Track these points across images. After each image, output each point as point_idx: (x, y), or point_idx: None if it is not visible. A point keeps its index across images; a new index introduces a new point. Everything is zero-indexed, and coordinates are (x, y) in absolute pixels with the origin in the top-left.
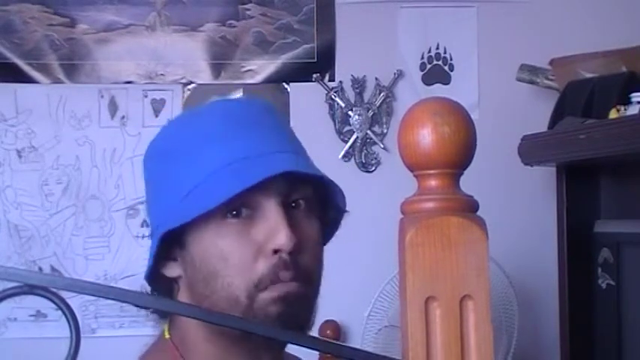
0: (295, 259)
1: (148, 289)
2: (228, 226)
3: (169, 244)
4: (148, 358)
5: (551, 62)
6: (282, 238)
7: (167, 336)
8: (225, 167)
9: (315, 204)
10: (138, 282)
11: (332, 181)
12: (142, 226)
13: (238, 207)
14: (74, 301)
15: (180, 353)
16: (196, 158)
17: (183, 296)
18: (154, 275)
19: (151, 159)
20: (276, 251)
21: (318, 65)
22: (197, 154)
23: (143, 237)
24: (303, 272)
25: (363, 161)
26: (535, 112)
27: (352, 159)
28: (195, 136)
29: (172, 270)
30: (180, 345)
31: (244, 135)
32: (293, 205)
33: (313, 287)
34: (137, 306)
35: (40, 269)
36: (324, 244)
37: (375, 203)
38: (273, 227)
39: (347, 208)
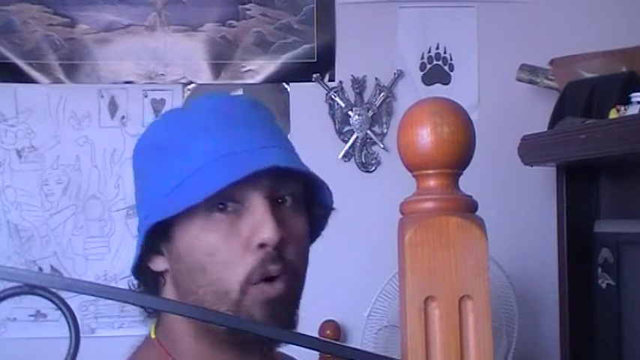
0: (281, 254)
1: (135, 282)
2: (214, 220)
3: (156, 238)
4: (134, 359)
5: (551, 62)
6: (267, 232)
7: (153, 336)
8: (212, 162)
9: (302, 201)
10: None
11: (319, 178)
12: None
13: (225, 201)
14: (74, 301)
15: (168, 351)
16: (184, 152)
17: (169, 290)
18: (141, 268)
19: (141, 152)
20: (261, 245)
21: (318, 65)
22: (185, 148)
23: None
24: (289, 268)
25: (363, 161)
26: (535, 112)
27: (352, 159)
28: (183, 131)
29: (158, 264)
30: (167, 343)
31: (231, 130)
32: (280, 200)
33: (299, 284)
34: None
35: (40, 269)
36: (312, 242)
37: (375, 203)
38: (258, 221)
39: (347, 208)
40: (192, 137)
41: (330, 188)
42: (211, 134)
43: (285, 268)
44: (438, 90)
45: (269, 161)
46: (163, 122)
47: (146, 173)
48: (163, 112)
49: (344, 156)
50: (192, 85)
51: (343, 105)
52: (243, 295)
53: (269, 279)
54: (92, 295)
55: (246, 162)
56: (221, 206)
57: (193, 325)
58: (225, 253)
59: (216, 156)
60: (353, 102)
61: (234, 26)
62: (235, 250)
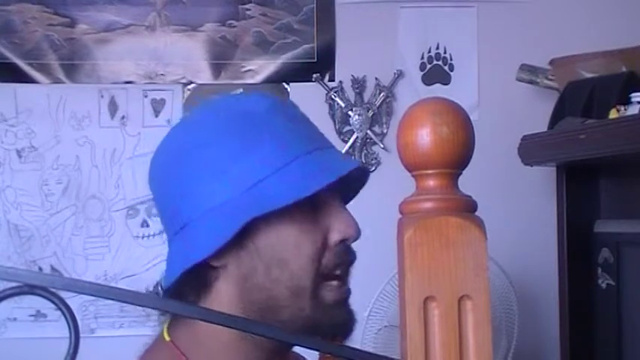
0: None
1: (162, 286)
2: (300, 215)
3: None
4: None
5: (551, 62)
6: (353, 228)
7: (167, 338)
8: (306, 155)
9: None
10: (138, 282)
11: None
12: (142, 226)
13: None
14: (74, 301)
15: (185, 355)
16: (262, 145)
17: (223, 286)
18: (201, 265)
19: (199, 148)
20: (342, 241)
21: (318, 65)
22: (261, 140)
23: (143, 237)
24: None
25: (363, 161)
26: (535, 112)
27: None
28: (255, 124)
29: (219, 259)
30: (189, 349)
31: (302, 126)
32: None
33: None
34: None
35: (40, 269)
36: None
37: (375, 203)
38: (341, 218)
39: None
40: (270, 129)
41: None
42: (289, 128)
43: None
44: (438, 90)
45: (352, 162)
46: (214, 118)
47: (210, 169)
48: (162, 112)
49: None
50: (192, 85)
51: (343, 105)
52: (316, 287)
53: (337, 277)
54: (92, 295)
55: (337, 158)
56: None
57: (236, 334)
58: (310, 247)
59: (308, 150)
60: (353, 102)
61: (234, 26)
62: (318, 245)
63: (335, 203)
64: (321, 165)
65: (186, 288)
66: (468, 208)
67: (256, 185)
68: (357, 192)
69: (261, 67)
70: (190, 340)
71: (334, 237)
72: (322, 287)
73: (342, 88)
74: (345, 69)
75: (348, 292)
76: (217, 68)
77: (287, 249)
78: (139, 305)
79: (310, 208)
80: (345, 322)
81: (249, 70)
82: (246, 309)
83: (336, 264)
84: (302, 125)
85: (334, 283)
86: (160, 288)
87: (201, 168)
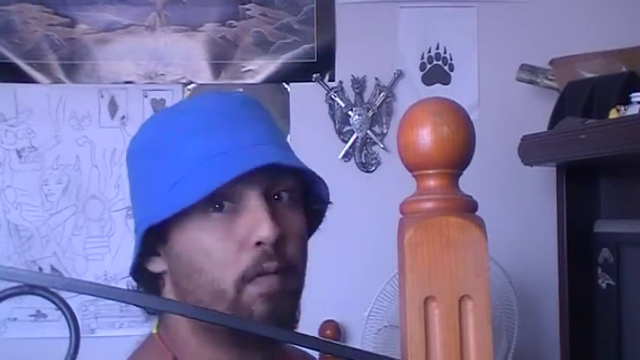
0: (279, 251)
1: (134, 284)
2: (210, 221)
3: (154, 240)
4: (136, 355)
5: (551, 62)
6: (264, 230)
7: (154, 331)
8: (205, 161)
9: (298, 196)
10: None
11: (314, 172)
12: None
13: (220, 201)
14: (74, 301)
15: (167, 347)
16: (178, 153)
17: (168, 291)
18: (139, 270)
19: (134, 155)
20: (258, 243)
21: (318, 65)
22: (179, 149)
23: None
24: (287, 264)
25: (363, 161)
26: (535, 112)
27: (352, 159)
28: (176, 132)
29: (157, 265)
30: (168, 340)
31: (224, 129)
32: (276, 197)
33: (298, 279)
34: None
35: (40, 269)
36: (309, 237)
37: (375, 203)
38: (255, 220)
39: (347, 209)
40: (185, 138)
41: (330, 188)
42: (204, 133)
43: (283, 265)
44: (438, 90)
45: (264, 158)
46: (154, 124)
47: (140, 177)
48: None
49: (344, 156)
50: (192, 85)
51: (343, 105)
52: (239, 294)
53: (266, 274)
54: (92, 295)
55: (240, 160)
56: (217, 206)
57: (192, 323)
58: (221, 253)
59: (210, 155)
60: (353, 102)
61: (234, 26)
62: (231, 250)
63: (255, 203)
64: (228, 165)
65: (144, 291)
66: (468, 208)
67: (170, 189)
68: (318, 196)
69: (261, 67)
70: (170, 333)
71: (251, 239)
72: (244, 289)
73: (342, 88)
74: (345, 69)
75: (284, 286)
76: (217, 68)
77: (199, 256)
78: (139, 305)
79: (227, 211)
80: (279, 320)
81: (249, 70)
82: None
83: (257, 267)
84: (235, 124)
85: (260, 280)
86: None
87: (136, 174)
